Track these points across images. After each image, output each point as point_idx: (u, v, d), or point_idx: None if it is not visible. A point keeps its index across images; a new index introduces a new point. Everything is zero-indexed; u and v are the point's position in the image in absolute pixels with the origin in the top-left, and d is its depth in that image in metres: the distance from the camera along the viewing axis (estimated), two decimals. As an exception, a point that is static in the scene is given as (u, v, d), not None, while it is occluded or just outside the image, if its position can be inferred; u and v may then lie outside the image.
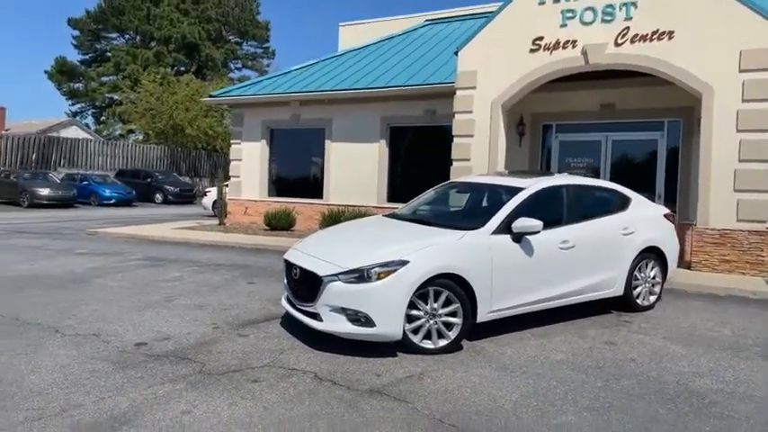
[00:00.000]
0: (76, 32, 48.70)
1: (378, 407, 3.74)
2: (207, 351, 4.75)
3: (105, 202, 24.41)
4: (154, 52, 45.36)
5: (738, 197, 8.32)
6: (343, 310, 4.64)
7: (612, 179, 10.69)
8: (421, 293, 4.74)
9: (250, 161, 14.51)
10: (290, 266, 5.24)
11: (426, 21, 16.81)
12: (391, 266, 4.64)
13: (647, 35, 8.79)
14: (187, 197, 27.67)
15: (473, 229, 5.21)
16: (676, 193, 10.26)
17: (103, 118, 48.49)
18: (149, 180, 27.71)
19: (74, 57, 50.39)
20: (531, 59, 9.62)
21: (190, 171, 34.26)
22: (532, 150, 11.47)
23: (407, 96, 12.24)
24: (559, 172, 10.99)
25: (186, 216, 18.34)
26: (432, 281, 4.74)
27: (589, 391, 4.12)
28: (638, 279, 6.36)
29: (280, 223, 12.63)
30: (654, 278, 6.52)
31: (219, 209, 14.49)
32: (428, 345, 4.80)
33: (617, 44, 9.00)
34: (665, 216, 6.76)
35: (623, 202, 6.43)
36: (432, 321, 4.80)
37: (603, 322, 5.95)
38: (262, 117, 14.33)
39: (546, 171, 11.23)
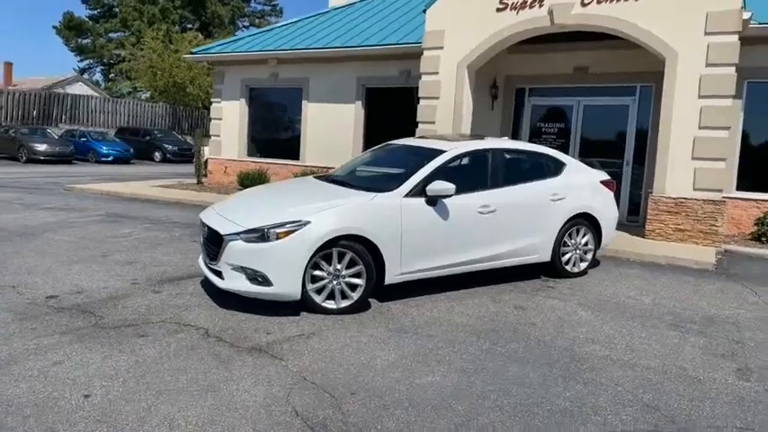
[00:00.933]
0: (83, -14, 48.21)
1: (250, 363, 3.82)
2: (113, 306, 4.86)
3: (103, 159, 24.63)
4: (159, 8, 44.84)
5: (696, 165, 8.13)
6: (242, 269, 4.70)
7: (582, 145, 10.58)
8: (325, 254, 4.77)
9: (230, 120, 14.48)
10: (202, 225, 5.29)
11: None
12: (290, 227, 4.66)
13: (614, -6, 8.47)
14: (186, 156, 27.73)
15: (388, 191, 5.20)
16: (644, 160, 10.05)
17: (111, 75, 48.50)
18: (148, 138, 27.85)
19: (82, 12, 50.13)
20: (498, 19, 9.35)
21: (192, 130, 34.31)
22: (505, 114, 11.27)
23: (382, 56, 12.01)
24: (531, 138, 10.90)
25: (181, 175, 18.43)
26: (335, 242, 4.76)
27: (471, 353, 4.16)
28: (567, 245, 6.33)
29: (253, 184, 12.67)
30: (586, 245, 6.47)
31: (197, 168, 14.56)
32: (330, 305, 4.86)
33: (584, 4, 8.69)
34: (603, 183, 6.65)
35: (556, 168, 6.34)
36: (335, 282, 4.84)
37: (525, 287, 5.96)
38: (241, 75, 14.21)
39: (502, 137, 11.07)
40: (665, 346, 4.48)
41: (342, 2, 15.96)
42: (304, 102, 13.37)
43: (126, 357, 3.82)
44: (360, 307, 4.96)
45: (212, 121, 14.83)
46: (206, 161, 14.88)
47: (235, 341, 4.19)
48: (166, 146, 27.40)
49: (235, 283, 4.76)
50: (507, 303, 5.40)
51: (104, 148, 25.03)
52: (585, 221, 6.39)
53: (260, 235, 4.65)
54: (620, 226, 8.05)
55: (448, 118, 9.93)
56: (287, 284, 4.64)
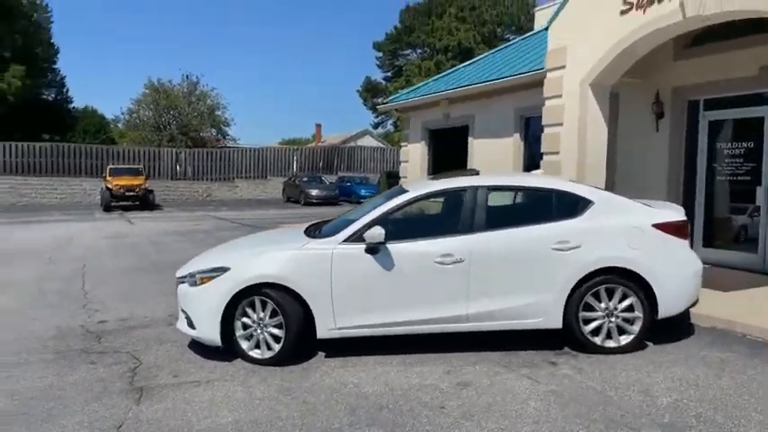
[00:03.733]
0: (380, 54, 56.15)
1: (122, 405, 4.03)
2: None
3: (361, 199, 28.05)
4: (434, 62, 49.04)
5: None
6: (183, 311, 5.03)
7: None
8: (250, 301, 4.76)
9: (414, 162, 15.02)
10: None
11: None
12: (212, 273, 4.82)
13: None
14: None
15: (331, 236, 4.90)
16: None
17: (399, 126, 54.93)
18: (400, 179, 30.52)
19: (378, 75, 58.29)
20: (623, 23, 7.62)
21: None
22: (674, 136, 8.95)
23: (536, 84, 10.92)
24: (709, 162, 8.51)
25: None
26: (257, 289, 4.71)
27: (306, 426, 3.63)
28: (595, 310, 4.76)
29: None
30: (627, 311, 4.76)
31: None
32: (256, 354, 4.79)
33: (727, -16, 6.47)
34: (658, 227, 4.81)
35: (573, 208, 4.88)
36: (259, 331, 4.77)
37: (509, 360, 4.72)
38: (421, 119, 14.68)
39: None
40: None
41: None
42: (470, 138, 13.04)
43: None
44: (282, 360, 4.71)
45: (401, 164, 15.61)
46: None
47: (142, 379, 4.49)
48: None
49: (180, 323, 5.11)
50: (450, 379, 4.39)
51: (362, 190, 28.46)
52: (624, 279, 4.72)
53: (193, 280, 4.92)
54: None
55: (572, 148, 8.45)
56: (206, 329, 4.78)
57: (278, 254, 4.85)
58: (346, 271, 4.70)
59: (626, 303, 4.77)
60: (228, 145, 35.90)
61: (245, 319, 4.77)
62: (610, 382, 4.22)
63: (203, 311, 4.76)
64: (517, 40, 14.87)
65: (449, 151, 14.24)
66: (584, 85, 8.24)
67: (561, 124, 8.61)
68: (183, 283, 5.03)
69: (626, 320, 4.80)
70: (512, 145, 11.87)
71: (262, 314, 4.73)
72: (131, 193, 22.99)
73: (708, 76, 8.41)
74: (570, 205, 4.92)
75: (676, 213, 5.05)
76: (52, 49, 40.41)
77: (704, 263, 5.28)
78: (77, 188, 27.58)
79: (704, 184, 8.82)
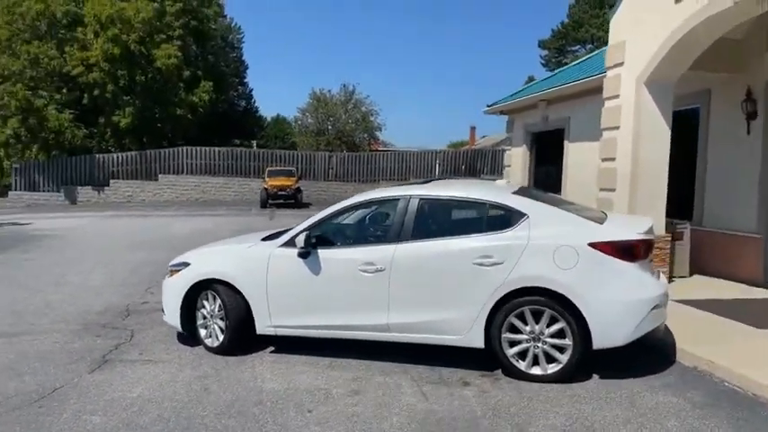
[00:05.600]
0: (545, 52, 53.93)
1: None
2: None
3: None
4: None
5: None
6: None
7: None
8: (206, 294, 5.32)
9: (516, 167, 14.42)
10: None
11: None
12: (177, 267, 5.50)
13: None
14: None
15: (275, 240, 5.25)
16: None
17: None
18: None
19: (542, 74, 56.03)
20: (678, 11, 6.63)
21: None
22: (768, 138, 7.48)
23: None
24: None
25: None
26: (207, 284, 5.25)
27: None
28: (520, 332, 4.38)
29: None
30: (556, 337, 4.29)
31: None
32: (209, 342, 5.33)
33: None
34: (595, 246, 4.21)
35: (505, 221, 4.53)
36: (211, 322, 5.30)
37: (426, 375, 4.59)
38: (524, 121, 14.04)
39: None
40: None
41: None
42: (566, 142, 12.16)
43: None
44: (229, 350, 5.17)
45: (504, 168, 15.08)
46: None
47: (116, 353, 5.32)
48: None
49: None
50: (351, 386, 4.45)
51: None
52: (553, 302, 4.26)
53: (167, 272, 5.64)
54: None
55: (626, 153, 7.54)
56: (170, 315, 5.47)
57: (227, 253, 5.34)
58: (280, 273, 4.99)
59: (555, 328, 4.31)
60: (379, 149, 37.63)
61: (203, 311, 5.32)
62: (497, 410, 3.91)
63: (168, 300, 5.44)
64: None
65: (548, 156, 13.43)
66: (640, 82, 7.35)
67: (618, 128, 7.76)
68: (167, 275, 5.76)
69: (555, 347, 4.33)
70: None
71: (213, 307, 5.24)
72: (283, 192, 25.51)
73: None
74: (501, 218, 4.57)
75: (628, 232, 4.38)
76: (242, 66, 46.27)
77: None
78: (246, 187, 31.29)
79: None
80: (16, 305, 7.19)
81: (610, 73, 8.00)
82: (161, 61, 30.56)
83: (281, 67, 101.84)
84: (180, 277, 5.37)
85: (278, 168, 27.99)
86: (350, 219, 5.29)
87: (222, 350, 5.18)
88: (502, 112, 15.17)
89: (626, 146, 7.60)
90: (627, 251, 4.25)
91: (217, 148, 31.81)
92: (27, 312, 6.80)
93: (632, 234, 4.34)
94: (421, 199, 4.85)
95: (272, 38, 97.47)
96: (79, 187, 30.47)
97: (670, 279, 7.50)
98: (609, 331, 4.21)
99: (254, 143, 38.31)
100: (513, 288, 4.33)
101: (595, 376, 4.44)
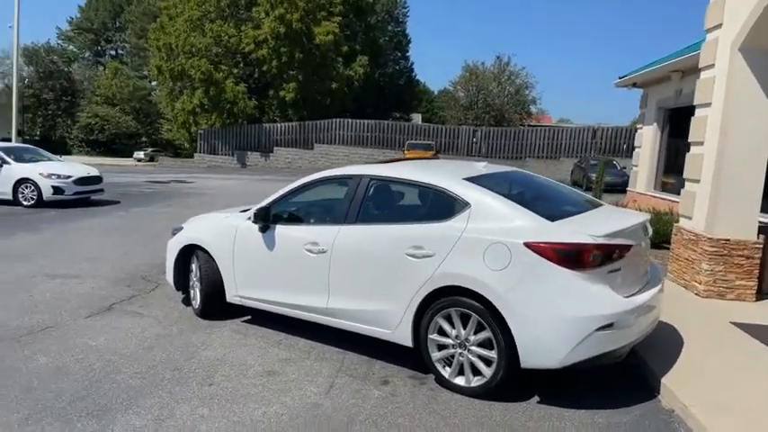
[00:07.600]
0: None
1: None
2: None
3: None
4: None
5: None
6: (173, 260, 6.16)
7: None
8: (194, 259, 5.57)
9: (646, 148, 12.56)
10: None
11: None
12: (176, 230, 5.82)
13: None
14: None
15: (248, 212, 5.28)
16: None
17: None
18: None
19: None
20: (785, -48, 5.06)
21: None
22: None
23: None
24: None
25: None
26: (192, 249, 5.49)
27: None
28: (446, 335, 3.83)
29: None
30: (481, 346, 3.66)
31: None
32: (194, 304, 5.59)
33: None
34: (531, 246, 3.43)
35: (449, 209, 3.94)
36: (195, 286, 5.55)
37: (362, 370, 4.27)
38: (657, 97, 12.10)
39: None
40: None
41: None
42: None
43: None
44: (206, 314, 5.36)
45: (634, 149, 13.24)
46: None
47: (123, 304, 5.87)
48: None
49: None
50: (275, 366, 4.35)
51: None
52: (479, 305, 3.62)
53: (171, 233, 5.98)
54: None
55: (714, 135, 6.06)
56: (167, 274, 5.82)
57: (208, 222, 5.49)
58: (245, 245, 5.01)
59: (482, 337, 3.67)
60: (532, 123, 35.52)
61: (191, 274, 5.58)
62: (382, 417, 3.48)
63: (167, 259, 5.78)
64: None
65: (682, 135, 11.43)
66: (734, 48, 5.84)
67: (709, 104, 6.31)
68: None
69: (482, 358, 3.70)
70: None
71: (196, 271, 5.46)
72: (418, 165, 25.65)
73: None
74: (445, 206, 3.96)
75: (581, 233, 3.48)
76: (405, 39, 46.85)
77: None
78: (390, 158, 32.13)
79: None
80: (101, 250, 8.27)
81: (708, 37, 6.48)
82: (320, 38, 32.26)
83: (447, 42, 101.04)
84: (174, 240, 5.67)
85: (417, 142, 28.11)
86: (318, 196, 5.06)
87: (200, 313, 5.40)
88: (635, 85, 13.27)
89: (714, 126, 6.14)
90: (570, 256, 3.42)
91: (366, 121, 32.90)
92: (101, 259, 7.75)
93: (583, 236, 3.47)
94: (371, 179, 4.45)
95: (436, 14, 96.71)
96: (249, 152, 33.94)
97: (759, 296, 5.98)
98: (538, 349, 3.47)
99: (419, 116, 38.75)
100: (438, 285, 3.79)
101: (535, 398, 3.72)
